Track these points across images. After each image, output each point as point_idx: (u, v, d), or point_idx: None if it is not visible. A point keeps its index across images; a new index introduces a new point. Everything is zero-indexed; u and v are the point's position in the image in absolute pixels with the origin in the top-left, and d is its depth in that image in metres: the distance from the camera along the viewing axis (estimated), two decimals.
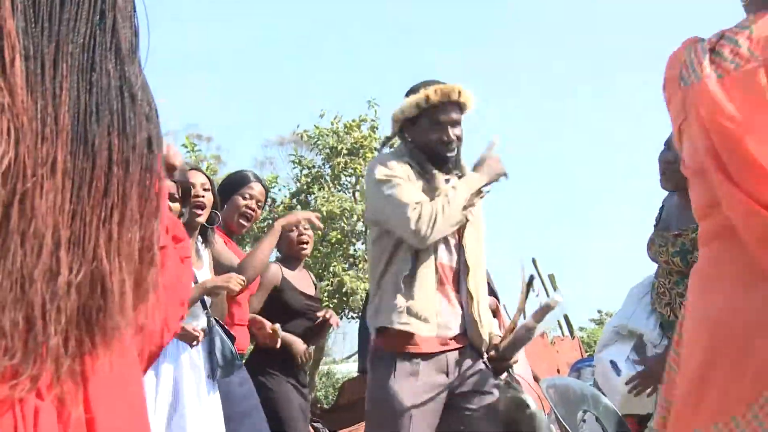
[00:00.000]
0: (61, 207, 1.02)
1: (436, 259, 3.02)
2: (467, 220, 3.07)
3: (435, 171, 3.07)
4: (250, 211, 3.98)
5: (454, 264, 3.08)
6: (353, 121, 17.16)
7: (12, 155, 0.97)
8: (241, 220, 3.99)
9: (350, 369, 17.86)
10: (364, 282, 15.76)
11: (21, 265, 0.99)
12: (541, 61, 44.96)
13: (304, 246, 4.37)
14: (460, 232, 3.08)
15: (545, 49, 45.56)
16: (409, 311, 2.92)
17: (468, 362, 3.02)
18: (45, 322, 1.01)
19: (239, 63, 44.15)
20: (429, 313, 2.95)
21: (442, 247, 3.05)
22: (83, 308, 1.05)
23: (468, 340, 3.04)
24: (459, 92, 3.04)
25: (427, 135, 3.06)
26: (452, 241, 3.08)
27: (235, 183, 4.10)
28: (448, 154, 3.07)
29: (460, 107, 3.07)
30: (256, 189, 4.02)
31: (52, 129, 1.02)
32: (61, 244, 1.02)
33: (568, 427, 2.45)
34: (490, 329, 3.10)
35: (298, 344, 4.19)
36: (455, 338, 3.03)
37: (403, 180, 3.01)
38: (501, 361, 2.99)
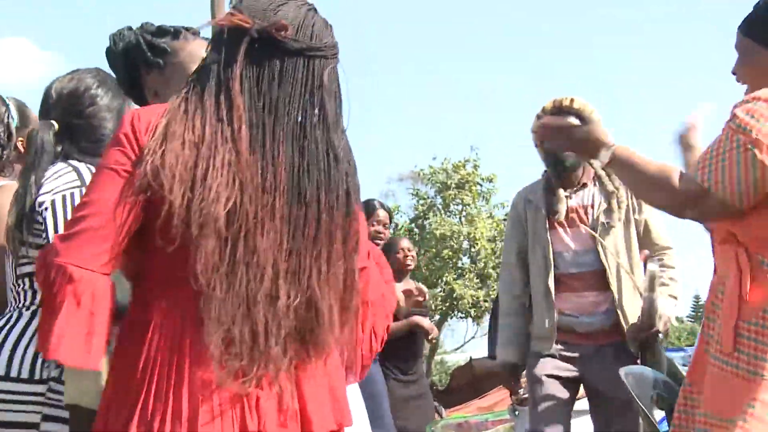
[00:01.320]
0: (279, 245, 1.35)
1: None
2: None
3: (557, 192, 3.18)
4: (380, 235, 4.39)
5: None
6: (459, 161, 21.48)
7: (237, 200, 1.31)
8: (374, 242, 4.51)
9: (458, 358, 20.67)
10: (470, 289, 20.03)
11: (246, 289, 1.32)
12: None
13: (410, 264, 4.65)
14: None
15: None
16: None
17: None
18: (267, 336, 1.33)
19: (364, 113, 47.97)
20: None
21: None
22: (299, 326, 1.37)
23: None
24: (571, 100, 3.09)
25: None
26: None
27: (364, 212, 5.70)
28: (566, 156, 3.12)
29: (576, 114, 3.06)
30: (381, 215, 4.46)
31: (271, 183, 1.35)
32: (279, 275, 1.34)
33: (641, 405, 2.70)
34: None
35: (425, 322, 4.57)
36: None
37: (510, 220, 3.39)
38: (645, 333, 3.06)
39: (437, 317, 20.49)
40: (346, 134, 1.48)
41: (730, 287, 1.97)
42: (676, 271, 3.21)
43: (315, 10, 1.49)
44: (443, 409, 6.91)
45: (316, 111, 1.42)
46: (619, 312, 3.07)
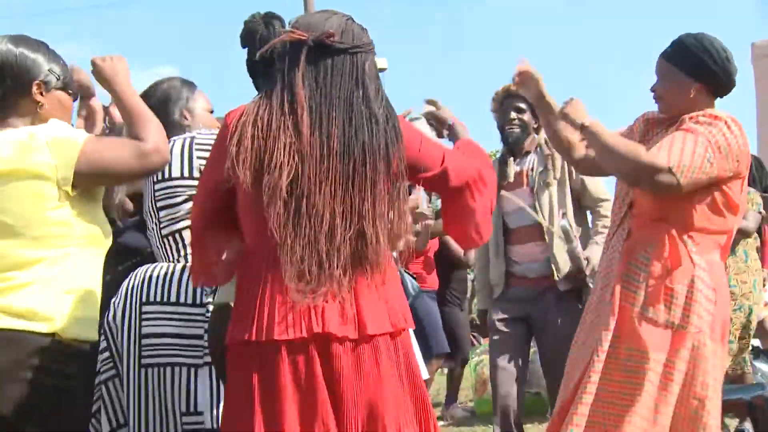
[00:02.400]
0: (334, 197, 1.79)
1: None
2: None
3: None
4: None
5: None
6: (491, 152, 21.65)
7: (298, 171, 1.77)
8: None
9: None
10: None
11: (310, 234, 1.78)
12: None
13: None
14: None
15: None
16: None
17: None
18: (330, 263, 1.78)
19: None
20: None
21: None
22: (354, 252, 1.80)
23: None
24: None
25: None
26: None
27: None
28: (510, 132, 3.73)
29: (524, 98, 3.55)
30: None
31: (327, 151, 1.80)
32: (336, 218, 1.78)
33: None
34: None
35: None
36: None
37: None
38: None
39: None
40: (390, 109, 1.91)
41: (657, 255, 2.46)
42: (608, 219, 3.48)
43: (353, 19, 1.94)
44: (481, 338, 7.37)
45: (360, 92, 1.87)
46: (552, 261, 3.59)
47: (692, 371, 2.41)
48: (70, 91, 2.16)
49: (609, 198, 3.58)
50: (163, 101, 2.60)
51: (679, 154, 2.38)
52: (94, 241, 2.04)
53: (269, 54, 1.93)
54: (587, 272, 3.55)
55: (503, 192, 3.63)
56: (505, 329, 3.68)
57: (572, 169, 3.61)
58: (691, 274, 2.43)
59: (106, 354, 2.42)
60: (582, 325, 2.64)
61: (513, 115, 3.73)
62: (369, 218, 1.81)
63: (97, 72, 2.14)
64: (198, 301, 2.33)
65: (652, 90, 2.62)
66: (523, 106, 3.72)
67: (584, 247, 3.59)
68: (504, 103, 3.77)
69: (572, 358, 2.62)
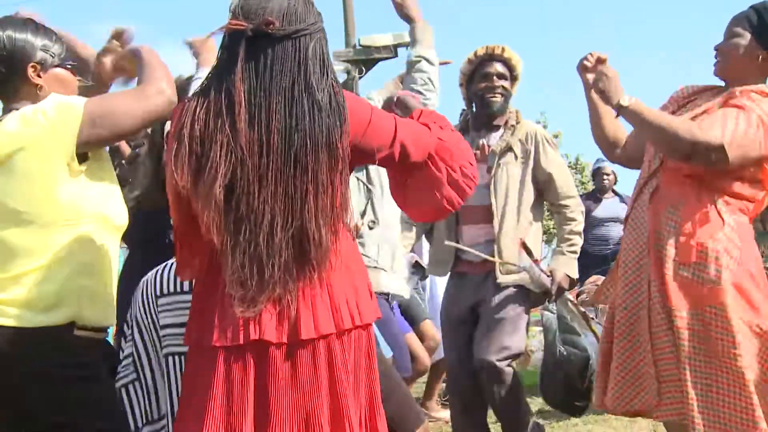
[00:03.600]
0: (274, 193, 1.70)
1: None
2: None
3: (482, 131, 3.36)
4: None
5: None
6: None
7: (236, 173, 1.69)
8: None
9: None
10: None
11: (249, 238, 1.69)
12: None
13: None
14: None
15: None
16: None
17: None
18: (271, 266, 1.69)
19: None
20: None
21: None
22: (297, 252, 1.72)
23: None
24: (502, 49, 3.30)
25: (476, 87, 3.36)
26: None
27: None
28: (492, 101, 3.33)
29: (504, 63, 3.32)
30: None
31: (267, 148, 1.69)
32: (276, 217, 1.69)
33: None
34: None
35: None
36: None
37: None
38: None
39: None
40: (336, 85, 1.80)
41: (688, 212, 2.46)
42: (577, 222, 3.41)
43: (303, 3, 1.81)
44: None
45: (302, 78, 1.75)
46: (495, 246, 3.29)
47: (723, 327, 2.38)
48: (69, 65, 2.09)
49: (575, 195, 3.46)
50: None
51: (733, 131, 2.37)
52: (105, 222, 2.01)
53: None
54: (553, 290, 3.30)
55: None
56: (449, 320, 3.44)
57: (540, 156, 3.37)
58: (718, 232, 2.43)
59: (129, 360, 2.37)
60: (625, 283, 2.58)
61: (496, 81, 3.33)
62: (310, 214, 1.73)
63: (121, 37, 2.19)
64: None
65: (716, 48, 2.60)
66: (504, 71, 3.36)
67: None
68: (483, 65, 3.35)
69: (623, 324, 2.57)
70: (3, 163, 1.90)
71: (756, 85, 2.51)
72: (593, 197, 6.66)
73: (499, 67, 3.34)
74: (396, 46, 6.13)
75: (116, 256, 2.08)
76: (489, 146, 3.36)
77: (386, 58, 6.32)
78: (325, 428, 1.75)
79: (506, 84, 3.35)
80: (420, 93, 2.90)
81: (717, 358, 2.38)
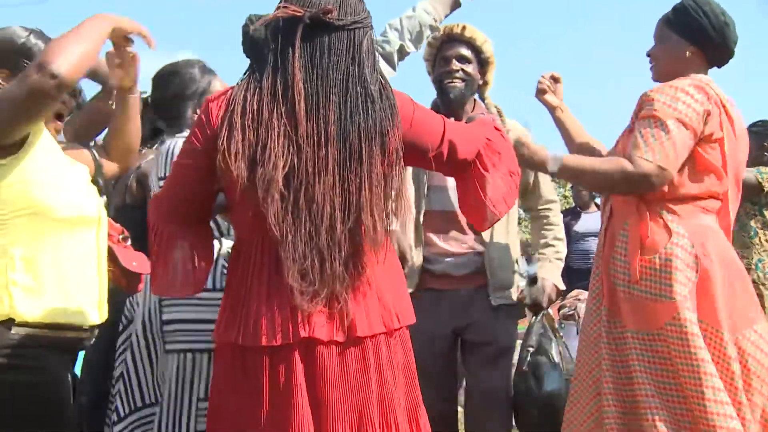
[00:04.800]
0: (333, 186, 1.68)
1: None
2: None
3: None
4: None
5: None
6: None
7: (294, 163, 1.65)
8: None
9: None
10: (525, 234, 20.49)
11: (310, 228, 1.67)
12: None
13: None
14: None
15: None
16: None
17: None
18: (332, 259, 1.68)
19: None
20: None
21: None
22: (354, 246, 1.71)
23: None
24: (463, 28, 2.91)
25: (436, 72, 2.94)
26: None
27: None
28: (450, 87, 2.89)
29: (467, 43, 2.91)
30: None
31: (324, 138, 1.68)
32: (335, 209, 1.68)
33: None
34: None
35: None
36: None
37: None
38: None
39: None
40: (384, 80, 1.80)
41: (632, 230, 2.40)
42: (560, 228, 3.16)
43: None
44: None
45: (356, 70, 1.74)
46: (484, 258, 2.90)
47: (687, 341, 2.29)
48: None
49: (556, 200, 3.20)
50: (176, 95, 2.53)
51: (660, 148, 2.34)
52: (42, 210, 1.87)
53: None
54: (544, 303, 3.01)
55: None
56: (432, 362, 2.81)
57: None
58: (665, 243, 2.36)
59: (125, 336, 2.44)
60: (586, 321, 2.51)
61: (455, 64, 2.90)
62: (366, 207, 1.71)
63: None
64: (217, 286, 2.29)
65: (648, 54, 2.62)
66: (467, 54, 2.93)
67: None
68: (443, 48, 2.94)
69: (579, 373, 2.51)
70: None
71: (664, 85, 2.46)
72: (572, 212, 6.73)
73: (460, 49, 2.92)
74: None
75: (74, 248, 1.93)
76: None
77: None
78: (376, 427, 1.74)
79: (469, 68, 2.92)
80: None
81: (679, 377, 2.29)
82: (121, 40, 2.02)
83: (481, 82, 2.98)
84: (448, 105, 2.92)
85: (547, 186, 3.13)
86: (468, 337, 2.93)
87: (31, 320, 1.84)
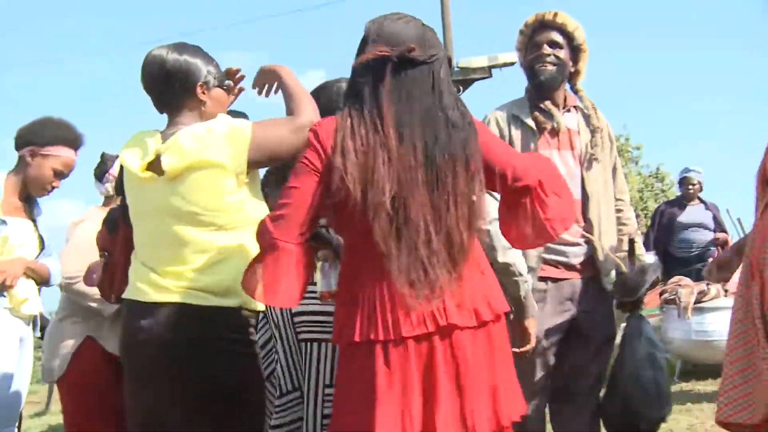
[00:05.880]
0: (423, 202, 1.84)
1: None
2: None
3: (545, 104, 2.86)
4: None
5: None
6: (616, 136, 21.84)
7: (394, 185, 1.81)
8: None
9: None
10: None
11: (410, 241, 1.82)
12: None
13: None
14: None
15: None
16: None
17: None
18: (433, 268, 1.83)
19: None
20: None
21: None
22: (449, 254, 1.86)
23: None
24: (554, 14, 2.89)
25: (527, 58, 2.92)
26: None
27: None
28: (541, 70, 2.84)
29: (559, 29, 2.87)
30: None
31: (413, 162, 1.84)
32: (429, 224, 1.84)
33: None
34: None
35: None
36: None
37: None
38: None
39: None
40: (463, 105, 1.95)
41: None
42: (633, 221, 3.08)
43: (423, 23, 1.98)
44: None
45: (437, 99, 1.91)
46: (596, 245, 2.85)
47: None
48: (224, 87, 2.33)
49: (627, 191, 3.10)
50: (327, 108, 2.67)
51: None
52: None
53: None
54: (643, 293, 2.93)
55: (552, 150, 2.84)
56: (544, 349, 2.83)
57: (607, 148, 2.95)
58: None
59: (264, 320, 2.64)
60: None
61: (546, 49, 2.86)
62: (454, 221, 1.87)
63: (266, 69, 2.33)
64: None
65: None
66: (559, 39, 2.87)
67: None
68: (534, 35, 2.91)
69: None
70: (180, 175, 2.12)
71: None
72: (678, 204, 6.98)
73: (552, 35, 2.87)
74: (491, 68, 6.69)
75: None
76: (572, 131, 2.90)
77: (482, 78, 6.89)
78: (505, 402, 1.90)
79: (561, 53, 2.87)
80: None
81: None
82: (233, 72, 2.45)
83: (572, 70, 2.93)
84: (539, 88, 2.90)
85: (620, 180, 3.07)
86: (581, 325, 2.87)
87: (256, 309, 2.21)
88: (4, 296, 3.05)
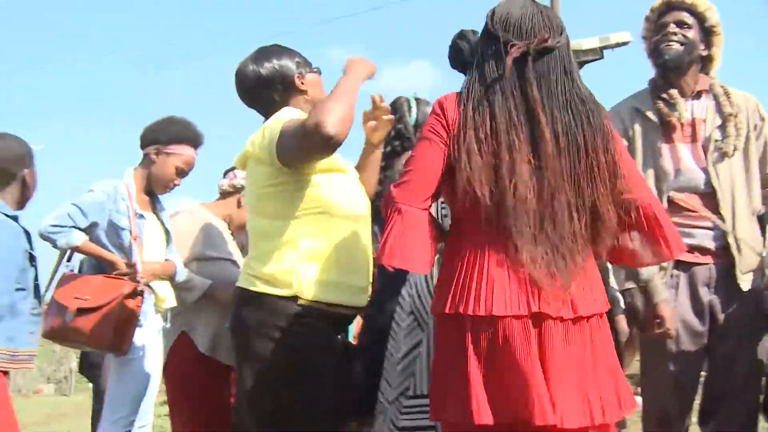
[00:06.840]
0: (568, 192, 1.84)
1: None
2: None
3: (669, 93, 2.67)
4: None
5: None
6: None
7: (533, 181, 1.83)
8: None
9: None
10: None
11: (550, 227, 1.83)
12: None
13: None
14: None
15: None
16: None
17: None
18: (572, 258, 1.83)
19: None
20: None
21: None
22: (591, 233, 1.87)
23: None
24: None
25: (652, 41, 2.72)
26: None
27: None
28: (665, 49, 2.64)
29: (688, 10, 2.68)
30: None
31: (559, 152, 1.85)
32: (571, 204, 1.84)
33: None
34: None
35: None
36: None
37: None
38: None
39: None
40: (583, 83, 1.96)
41: None
42: None
43: (537, 3, 1.99)
44: None
45: (570, 80, 1.93)
46: (731, 240, 2.61)
47: None
48: (315, 69, 2.43)
49: None
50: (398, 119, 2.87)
51: None
52: (328, 209, 2.21)
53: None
54: None
55: (675, 144, 2.69)
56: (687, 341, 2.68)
57: (751, 131, 2.69)
58: None
59: (411, 318, 2.49)
60: None
61: (672, 27, 2.66)
62: (599, 193, 1.86)
63: (347, 61, 2.32)
64: None
65: None
66: (688, 19, 2.68)
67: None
68: (661, 17, 2.72)
69: None
70: (244, 166, 2.31)
71: None
72: None
73: (679, 15, 2.69)
74: (602, 48, 6.29)
75: (351, 240, 2.24)
76: (697, 120, 2.69)
77: (593, 60, 6.52)
78: (596, 402, 1.83)
79: (689, 33, 2.67)
80: None
81: None
82: (377, 100, 2.53)
83: (704, 54, 2.72)
84: (663, 69, 2.71)
85: None
86: (717, 315, 2.66)
87: (312, 299, 2.18)
88: (151, 295, 3.28)
